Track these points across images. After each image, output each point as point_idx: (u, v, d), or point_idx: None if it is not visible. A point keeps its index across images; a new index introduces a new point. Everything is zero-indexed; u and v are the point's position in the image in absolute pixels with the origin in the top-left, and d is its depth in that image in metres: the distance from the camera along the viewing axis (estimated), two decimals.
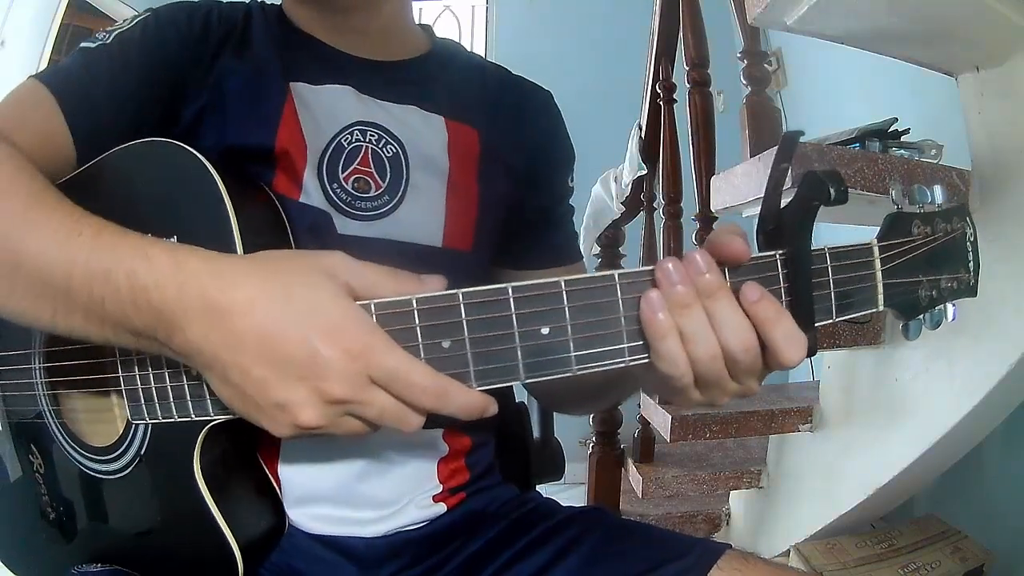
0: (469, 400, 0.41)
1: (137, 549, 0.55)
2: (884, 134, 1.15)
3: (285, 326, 0.38)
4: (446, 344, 0.41)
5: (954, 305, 0.47)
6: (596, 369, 0.42)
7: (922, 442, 1.16)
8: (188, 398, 0.47)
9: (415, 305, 0.41)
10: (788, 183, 0.45)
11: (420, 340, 0.41)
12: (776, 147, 0.45)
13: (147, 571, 0.55)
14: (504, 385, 0.42)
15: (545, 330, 0.41)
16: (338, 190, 0.60)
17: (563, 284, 0.41)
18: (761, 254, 0.43)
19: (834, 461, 1.39)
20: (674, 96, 1.77)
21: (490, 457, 0.72)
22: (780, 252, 0.43)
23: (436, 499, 0.65)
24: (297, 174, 0.59)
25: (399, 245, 0.61)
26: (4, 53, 2.71)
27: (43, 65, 2.92)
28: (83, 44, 0.58)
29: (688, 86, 1.57)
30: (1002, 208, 1.02)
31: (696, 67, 1.56)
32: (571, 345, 0.41)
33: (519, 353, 0.41)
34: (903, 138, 1.16)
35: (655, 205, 1.98)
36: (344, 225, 0.60)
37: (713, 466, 1.66)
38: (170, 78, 0.59)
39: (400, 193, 0.62)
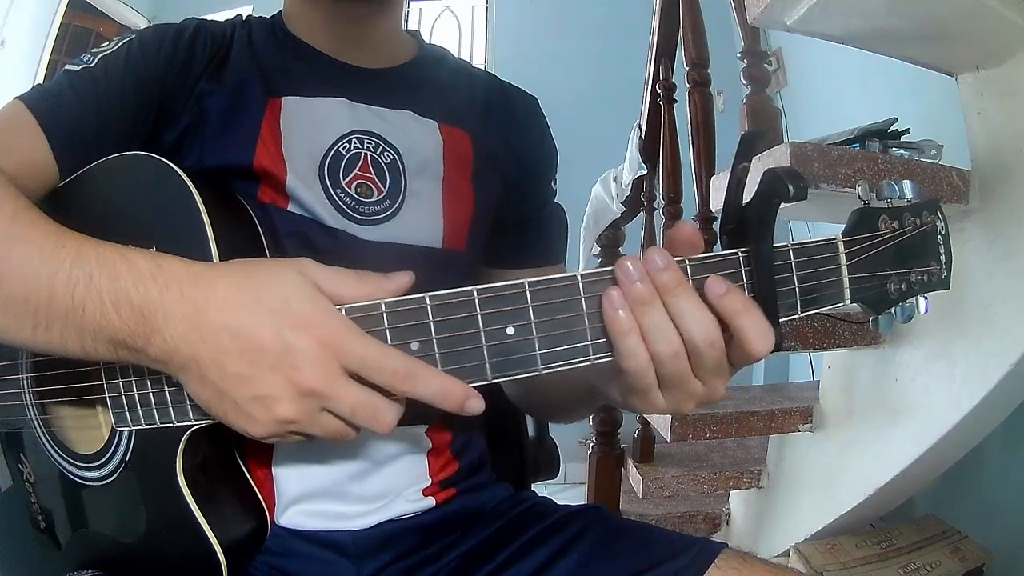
0: (443, 385, 0.41)
1: (125, 554, 0.55)
2: (884, 134, 1.15)
3: (258, 320, 0.40)
4: (415, 346, 0.42)
5: (926, 298, 0.48)
6: (562, 368, 0.42)
7: (922, 442, 1.16)
8: (169, 404, 0.48)
9: (384, 308, 0.42)
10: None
11: (389, 342, 0.42)
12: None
13: (137, 575, 0.55)
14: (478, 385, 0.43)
15: (510, 330, 0.42)
16: (342, 195, 0.61)
17: (527, 285, 0.42)
18: (724, 251, 0.44)
19: (834, 461, 1.39)
20: (674, 96, 1.77)
21: (480, 450, 0.72)
22: (743, 249, 0.43)
23: (425, 493, 0.66)
24: (280, 187, 0.60)
25: (403, 248, 0.62)
26: (4, 53, 2.71)
27: (43, 65, 2.93)
28: (68, 67, 0.59)
29: (688, 86, 1.57)
30: (1002, 208, 1.02)
31: (696, 67, 1.56)
32: (536, 344, 0.42)
33: (485, 353, 0.42)
34: (903, 138, 1.16)
35: (655, 205, 1.98)
36: (352, 229, 0.61)
37: (713, 466, 1.66)
38: (154, 101, 0.60)
39: (400, 198, 0.63)
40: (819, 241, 0.45)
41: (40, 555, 0.61)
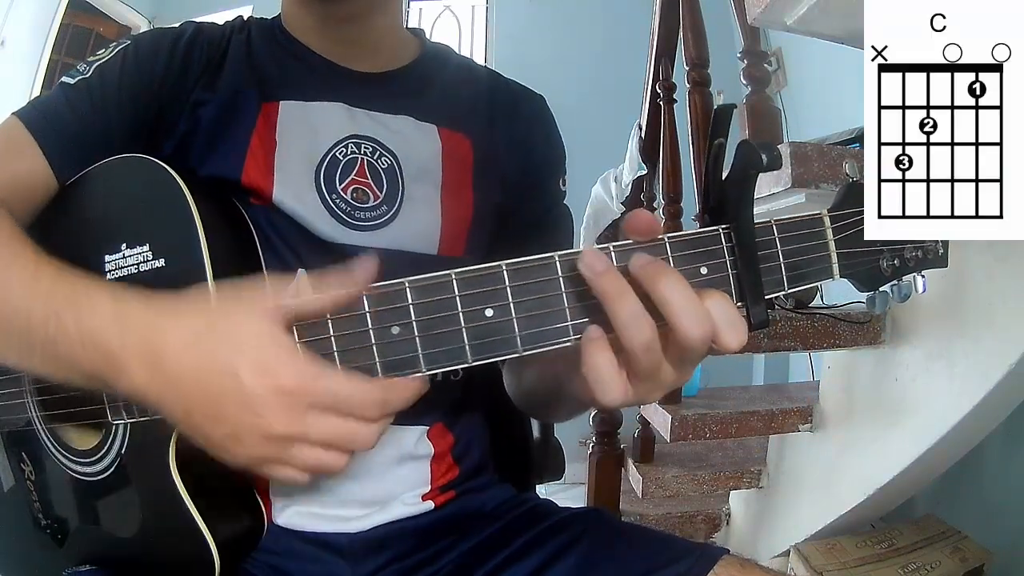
0: (408, 392, 0.42)
1: (123, 549, 0.55)
2: None
3: (217, 367, 0.40)
4: (395, 330, 0.42)
5: (923, 276, 0.46)
6: (544, 349, 0.42)
7: (922, 442, 1.16)
8: None
9: (363, 292, 0.42)
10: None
11: (371, 326, 0.42)
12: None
13: (134, 571, 0.56)
14: (450, 369, 0.43)
15: (489, 312, 0.42)
16: (337, 200, 0.61)
17: (504, 266, 0.42)
18: (704, 229, 0.43)
19: (834, 461, 1.40)
20: (674, 96, 1.77)
21: (481, 452, 0.72)
22: (723, 226, 0.43)
23: (424, 497, 0.65)
24: (267, 200, 0.60)
25: (397, 254, 0.62)
26: (4, 53, 2.71)
27: (43, 65, 2.93)
28: (64, 79, 0.59)
29: (688, 86, 1.57)
30: None
31: (696, 67, 1.56)
32: (515, 325, 0.42)
33: (465, 335, 0.42)
34: None
35: (655, 205, 1.98)
36: (345, 235, 0.61)
37: (713, 466, 1.66)
38: (151, 109, 0.60)
39: (397, 204, 0.63)
40: (804, 216, 0.44)
41: (41, 553, 0.61)
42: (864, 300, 0.48)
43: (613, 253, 0.42)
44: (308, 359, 0.40)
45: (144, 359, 0.41)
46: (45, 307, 0.44)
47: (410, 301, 0.42)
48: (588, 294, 0.41)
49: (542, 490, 0.78)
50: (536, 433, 0.89)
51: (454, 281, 0.42)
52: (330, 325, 0.43)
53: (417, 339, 0.42)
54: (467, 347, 0.42)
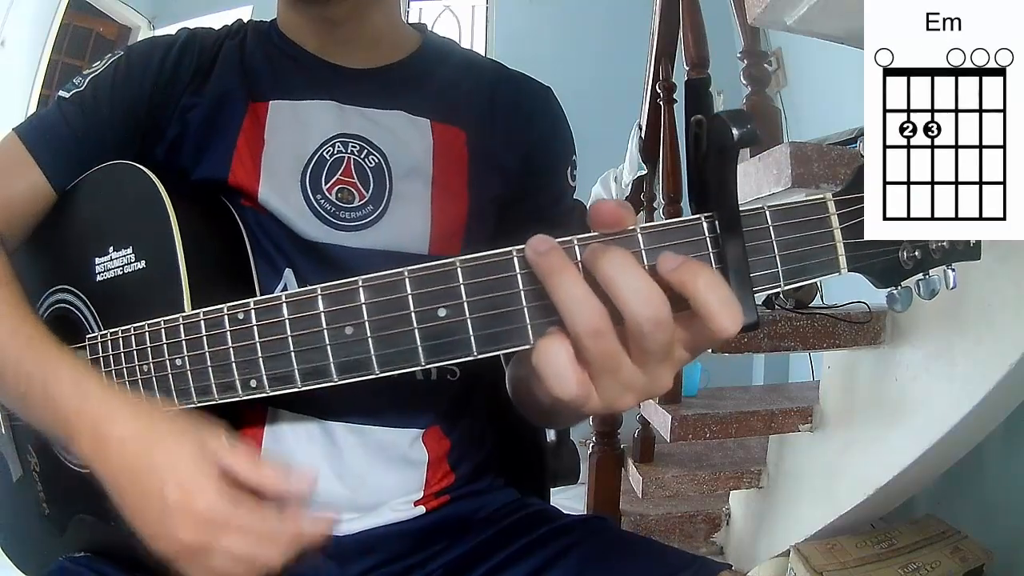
0: (320, 529, 0.46)
1: (116, 539, 0.55)
2: None
3: (147, 470, 0.44)
4: (349, 331, 0.41)
5: (953, 270, 0.41)
6: (499, 352, 0.40)
7: (922, 442, 1.16)
8: (155, 390, 0.49)
9: (319, 292, 0.42)
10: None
11: (325, 326, 0.41)
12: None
13: (125, 560, 0.56)
14: (408, 369, 0.42)
15: (442, 312, 0.39)
16: (322, 201, 0.60)
17: (458, 263, 0.39)
18: (682, 218, 0.39)
19: (834, 461, 1.40)
20: (674, 96, 1.77)
21: (481, 457, 0.70)
22: (706, 214, 0.38)
23: (416, 503, 0.64)
24: (253, 199, 0.60)
25: (385, 255, 0.61)
26: (4, 53, 2.71)
27: (43, 65, 2.93)
28: (60, 92, 0.62)
29: None
30: None
31: (696, 67, 1.55)
32: (469, 326, 0.39)
33: (417, 336, 0.40)
34: None
35: (655, 205, 1.98)
36: (329, 235, 0.60)
37: (713, 466, 1.66)
38: (141, 119, 0.61)
39: (384, 203, 0.62)
40: (804, 200, 0.39)
41: (45, 540, 0.63)
42: (870, 298, 0.44)
43: (577, 247, 0.38)
44: (227, 495, 0.43)
45: (92, 440, 0.45)
46: (19, 364, 0.49)
47: (362, 300, 0.40)
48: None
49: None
50: (551, 436, 0.87)
51: (407, 280, 0.40)
52: (287, 324, 0.42)
53: (370, 340, 0.41)
54: (420, 348, 0.40)
